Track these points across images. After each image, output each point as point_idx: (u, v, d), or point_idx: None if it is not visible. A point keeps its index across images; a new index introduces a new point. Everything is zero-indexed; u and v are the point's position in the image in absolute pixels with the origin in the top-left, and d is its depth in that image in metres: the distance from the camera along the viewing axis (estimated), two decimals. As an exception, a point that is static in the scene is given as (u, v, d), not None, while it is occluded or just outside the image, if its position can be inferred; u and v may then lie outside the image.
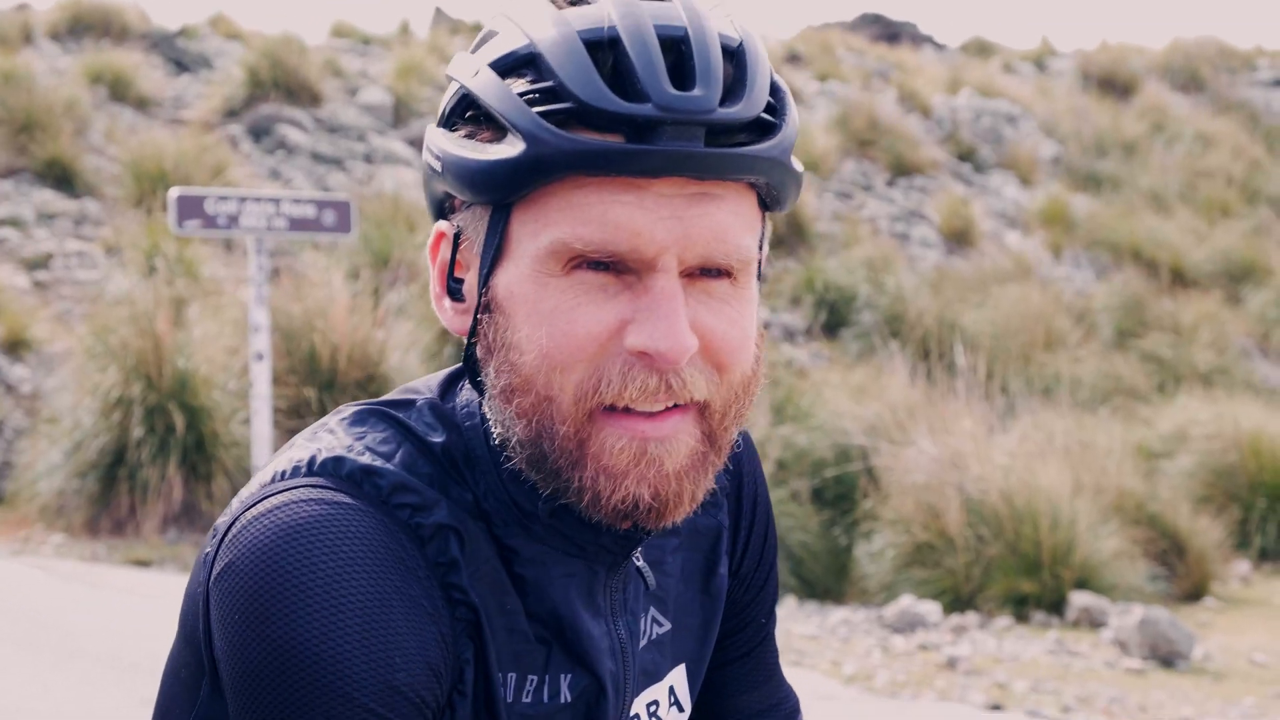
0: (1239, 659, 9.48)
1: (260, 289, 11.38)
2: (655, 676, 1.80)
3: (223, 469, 11.97)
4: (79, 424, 11.97)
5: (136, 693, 7.66)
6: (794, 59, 30.57)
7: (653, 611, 1.79)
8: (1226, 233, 23.29)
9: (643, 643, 1.77)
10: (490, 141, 1.55)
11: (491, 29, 1.63)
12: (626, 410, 1.54)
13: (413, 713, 1.51)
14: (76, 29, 23.41)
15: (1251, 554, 12.57)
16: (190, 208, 11.27)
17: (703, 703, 1.98)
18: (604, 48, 1.53)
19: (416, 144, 20.66)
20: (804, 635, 9.86)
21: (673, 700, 1.84)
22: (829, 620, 10.34)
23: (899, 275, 19.15)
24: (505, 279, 1.57)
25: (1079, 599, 10.19)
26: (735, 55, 1.58)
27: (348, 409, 1.69)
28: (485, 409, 1.62)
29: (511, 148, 1.52)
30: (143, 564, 11.27)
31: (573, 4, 1.59)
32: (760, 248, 1.62)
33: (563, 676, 1.67)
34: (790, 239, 20.60)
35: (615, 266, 1.53)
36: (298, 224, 11.63)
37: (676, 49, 1.54)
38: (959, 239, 22.74)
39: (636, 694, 1.77)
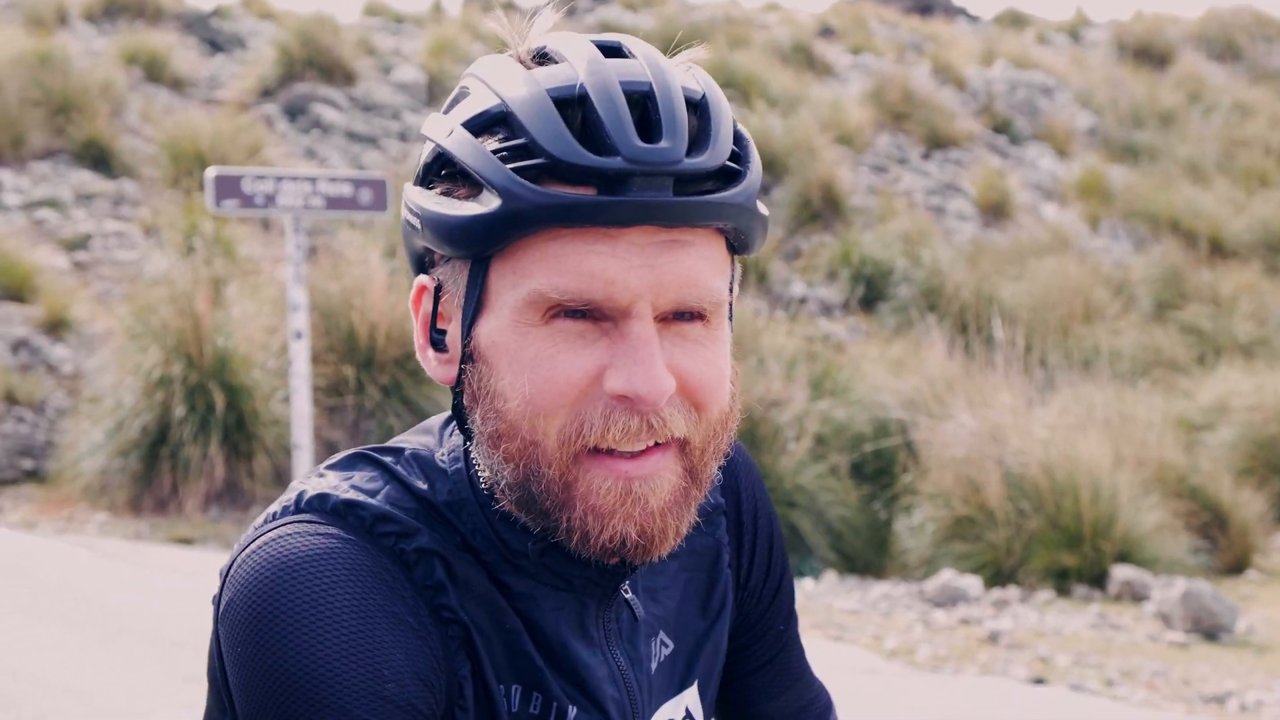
0: (1282, 631, 9.46)
1: (298, 268, 11.40)
2: (667, 697, 1.84)
3: (263, 447, 12.02)
4: (120, 403, 12.03)
5: (179, 670, 7.71)
6: (827, 32, 30.49)
7: (660, 634, 1.83)
8: (1265, 202, 23.16)
9: (653, 666, 1.81)
10: (467, 198, 1.60)
11: (463, 89, 1.68)
12: (610, 451, 1.59)
13: (406, 719, 1.56)
14: (111, 10, 23.47)
15: (1293, 526, 12.53)
16: (227, 187, 11.29)
17: (731, 713, 2.01)
18: (573, 104, 1.58)
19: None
20: (845, 610, 9.86)
21: (686, 716, 1.87)
22: (870, 595, 10.33)
23: (935, 248, 19.10)
24: (487, 329, 1.62)
25: (1120, 572, 10.17)
26: (699, 107, 1.63)
27: (337, 456, 1.76)
28: (474, 454, 1.67)
29: (487, 203, 1.57)
30: (185, 542, 11.33)
31: (540, 64, 1.64)
32: (730, 290, 1.67)
33: (570, 708, 1.71)
34: (825, 213, 20.56)
35: (592, 314, 1.58)
36: (334, 202, 11.65)
37: (642, 103, 1.59)
38: (995, 212, 22.66)
39: (649, 709, 1.80)
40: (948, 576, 10.17)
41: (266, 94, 20.59)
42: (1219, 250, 21.64)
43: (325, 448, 12.46)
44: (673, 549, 1.65)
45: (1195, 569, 10.83)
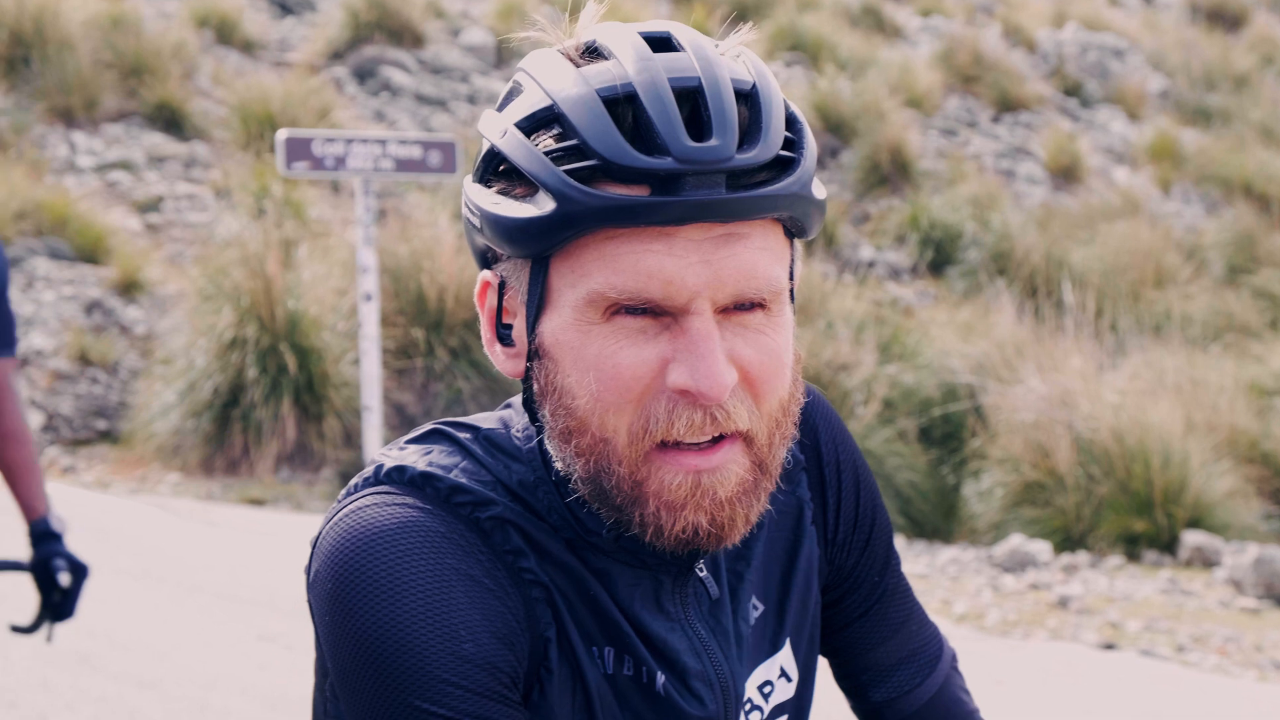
0: (1355, 598, 9.39)
1: (367, 230, 11.45)
2: (762, 658, 1.85)
3: (333, 409, 12.09)
4: (193, 365, 12.13)
5: (254, 628, 7.78)
6: (897, -6, 30.30)
7: (752, 598, 1.84)
8: (1339, 166, 22.92)
9: (747, 631, 1.82)
10: (523, 197, 1.62)
11: (516, 85, 1.69)
12: (677, 445, 1.61)
13: (486, 678, 1.60)
14: (182, -28, 23.57)
15: (1366, 492, 12.43)
16: (298, 149, 11.35)
17: (837, 664, 2.02)
18: (622, 104, 1.59)
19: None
20: (913, 575, 9.85)
21: (781, 674, 1.88)
22: (938, 559, 10.32)
23: (1005, 212, 18.99)
24: (550, 327, 1.64)
25: (1191, 538, 10.12)
26: (750, 98, 1.63)
27: (416, 430, 1.79)
28: (546, 445, 1.70)
29: (543, 205, 1.58)
30: (257, 503, 11.42)
31: (589, 58, 1.65)
32: (791, 275, 1.68)
33: (658, 673, 1.73)
34: (894, 177, 20.47)
35: (652, 310, 1.60)
36: (404, 165, 11.69)
37: (692, 99, 1.60)
38: (1066, 175, 22.50)
39: (743, 681, 1.81)
40: (1017, 541, 10.15)
41: (336, 57, 20.65)
42: (1292, 214, 21.42)
43: (394, 410, 12.53)
44: (743, 535, 1.67)
45: (1267, 535, 10.77)
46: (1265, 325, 16.86)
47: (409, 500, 1.67)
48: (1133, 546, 10.29)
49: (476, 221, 1.67)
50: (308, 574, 1.69)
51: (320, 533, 1.69)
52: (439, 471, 1.70)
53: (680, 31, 1.66)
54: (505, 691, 1.62)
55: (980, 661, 7.75)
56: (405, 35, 21.25)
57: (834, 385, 11.98)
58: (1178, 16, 31.21)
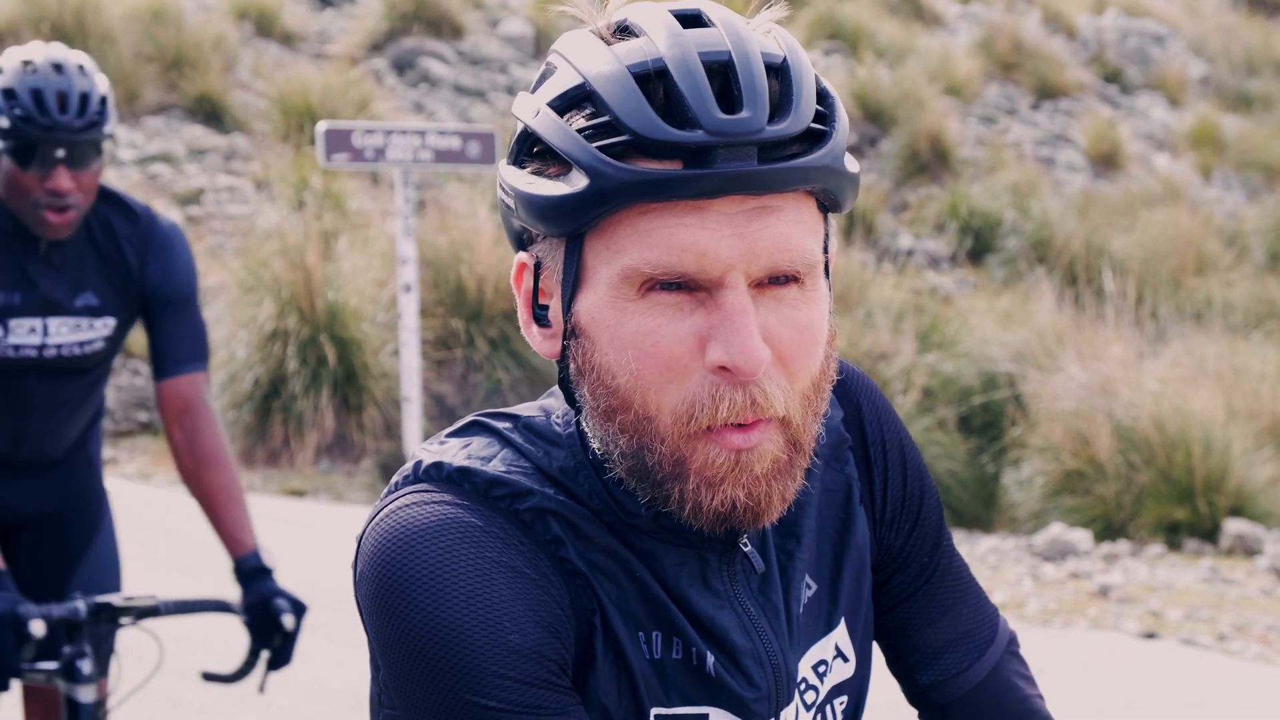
0: (1398, 587, 9.35)
1: (407, 221, 11.48)
2: (816, 638, 1.84)
3: (373, 400, 12.13)
4: (234, 356, 12.18)
5: (296, 620, 7.80)
6: (936, -18, 30.21)
7: (805, 577, 1.83)
8: (1382, 152, 22.78)
9: (800, 610, 1.82)
10: (557, 176, 1.62)
11: (549, 66, 1.71)
12: (719, 426, 1.62)
13: (534, 668, 1.62)
14: (221, -35, 23.65)
15: None
16: (338, 141, 11.38)
17: (885, 646, 2.00)
18: (653, 79, 1.60)
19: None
20: (953, 563, 9.84)
21: (836, 654, 1.87)
22: (978, 548, 10.31)
23: (1045, 200, 18.93)
24: (586, 305, 1.65)
25: (1233, 526, 10.08)
26: (780, 72, 1.63)
27: (457, 424, 1.80)
28: (584, 424, 1.71)
29: (576, 182, 1.59)
30: (297, 494, 11.47)
31: (620, 38, 1.66)
32: (825, 249, 1.68)
33: (708, 655, 1.73)
34: (933, 165, 20.42)
35: (686, 285, 1.60)
36: (443, 156, 11.72)
37: (723, 73, 1.60)
38: (1106, 162, 22.42)
39: (795, 660, 1.81)
40: (1057, 530, 10.13)
41: (375, 48, 20.69)
42: (1335, 200, 21.30)
43: (434, 401, 12.56)
44: (781, 514, 1.67)
45: (1309, 524, 10.72)
46: (1307, 312, 16.76)
47: (447, 497, 1.68)
48: (1174, 535, 10.26)
49: (511, 203, 1.68)
50: (354, 572, 1.71)
51: (363, 532, 1.71)
52: (476, 465, 1.71)
53: (711, 8, 1.67)
54: (554, 679, 1.63)
55: (1021, 651, 7.74)
56: (444, 26, 21.28)
57: (873, 374, 11.96)
58: (1218, 2, 31.05)
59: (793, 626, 1.80)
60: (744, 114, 1.57)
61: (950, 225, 18.90)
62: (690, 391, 1.60)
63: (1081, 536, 10.07)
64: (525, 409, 1.80)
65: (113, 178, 16.19)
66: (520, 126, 1.69)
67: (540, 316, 1.72)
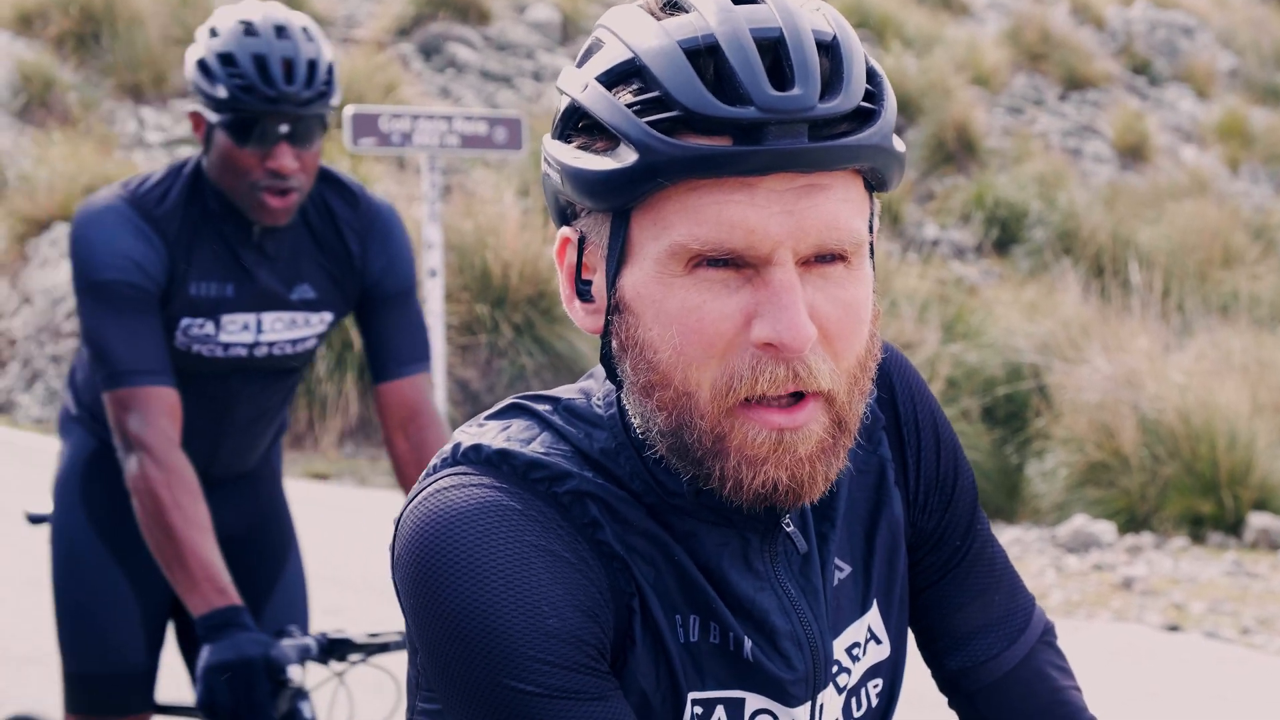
0: None
1: (433, 206, 11.49)
2: (848, 621, 1.84)
3: (398, 385, 12.14)
4: (259, 339, 12.20)
5: (319, 602, 7.82)
6: (964, -29, 30.14)
7: (836, 560, 1.83)
8: None
9: (832, 592, 1.81)
10: (604, 151, 1.61)
11: (596, 41, 1.69)
12: (761, 401, 1.61)
13: (572, 652, 1.61)
14: (249, -51, 23.64)
15: None
16: (365, 125, 11.40)
17: (916, 630, 1.99)
18: (704, 55, 1.59)
19: (584, 61, 20.63)
20: (976, 553, 9.84)
21: (870, 636, 1.87)
22: (1001, 539, 10.26)
23: (1071, 191, 18.87)
24: (631, 280, 1.64)
25: (1257, 520, 10.06)
26: (830, 49, 1.63)
27: (496, 406, 1.80)
28: (624, 401, 1.70)
29: (625, 157, 1.58)
30: (321, 477, 11.50)
31: (669, 13, 1.65)
32: (870, 229, 1.68)
33: (745, 639, 1.73)
34: (960, 155, 20.38)
35: (734, 262, 1.59)
36: (470, 141, 11.73)
37: (774, 50, 1.59)
38: (1133, 154, 22.35)
39: (830, 643, 1.81)
40: (1080, 522, 10.11)
41: (402, 33, 20.70)
42: (1363, 194, 21.21)
43: (458, 386, 12.58)
44: (822, 494, 1.67)
45: (1334, 518, 10.69)
46: (1334, 306, 16.71)
47: (485, 480, 1.68)
48: (1197, 528, 10.24)
49: (557, 177, 1.67)
50: (391, 555, 1.71)
51: (401, 515, 1.70)
52: (516, 448, 1.70)
53: None
54: (592, 663, 1.63)
55: (1057, 642, 7.73)
56: (471, 11, 21.28)
57: (898, 364, 11.95)
58: (1248, -6, 30.91)
59: (828, 608, 1.80)
60: (796, 91, 1.57)
61: (976, 215, 18.86)
62: (731, 365, 1.60)
63: (1105, 528, 10.06)
64: (565, 391, 1.80)
65: (141, 160, 16.24)
66: (567, 101, 1.68)
67: (583, 291, 1.72)
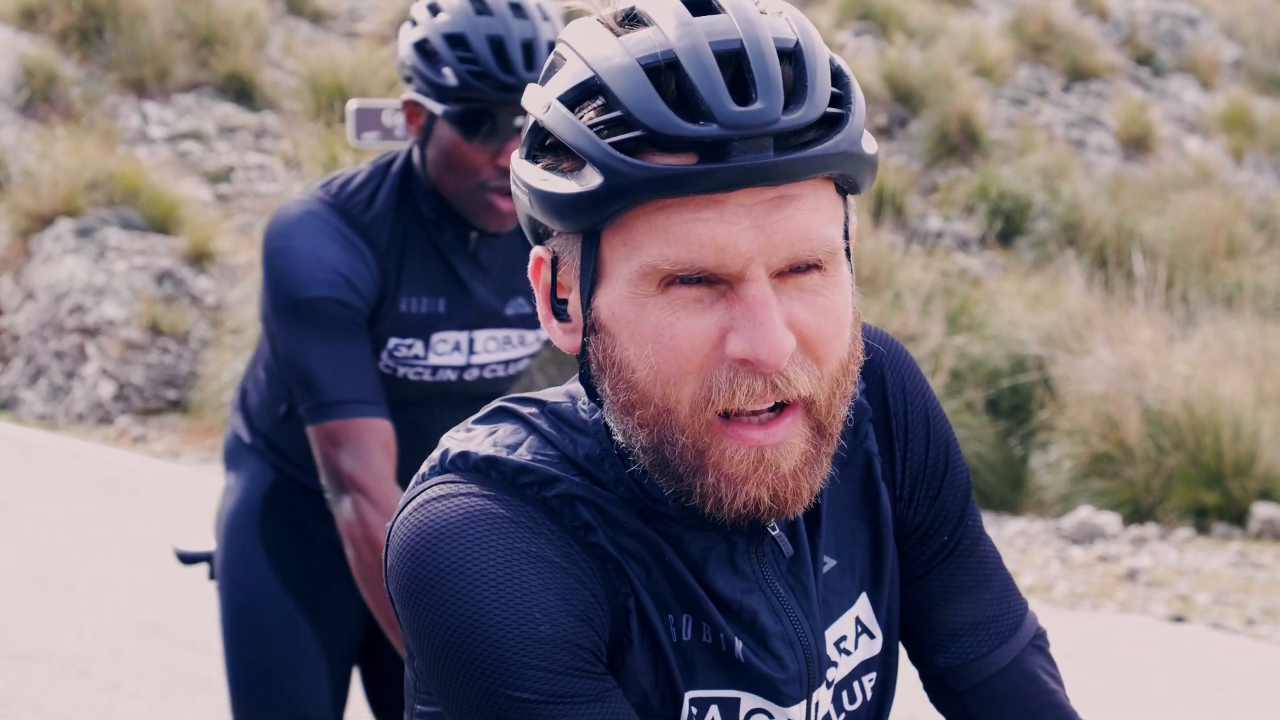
0: None
1: (437, 201, 11.47)
2: (836, 614, 1.83)
3: (402, 379, 12.14)
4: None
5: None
6: (967, -38, 30.09)
7: (822, 554, 1.82)
8: None
9: (820, 588, 1.81)
10: (570, 172, 1.60)
11: (558, 57, 1.68)
12: (739, 417, 1.60)
13: (566, 657, 1.61)
14: (252, -57, 23.65)
15: None
16: (368, 120, 11.37)
17: (906, 622, 1.98)
18: (664, 71, 1.58)
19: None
20: (981, 546, 9.83)
21: (860, 630, 1.86)
22: (1005, 531, 10.29)
23: (1075, 182, 18.84)
24: (605, 300, 1.63)
25: (1262, 510, 10.05)
26: (793, 56, 1.61)
27: (483, 410, 1.79)
28: (606, 419, 1.69)
29: (590, 179, 1.57)
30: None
31: (629, 26, 1.63)
32: (845, 234, 1.66)
33: (736, 640, 1.73)
34: (963, 147, 20.36)
35: (707, 279, 1.58)
36: (472, 135, 11.70)
37: (735, 62, 1.58)
38: (1137, 145, 22.31)
39: (824, 642, 1.80)
40: (1085, 513, 10.10)
41: (404, 27, 20.70)
42: (1368, 184, 21.18)
43: (463, 379, 12.57)
44: (806, 506, 1.66)
45: (1339, 509, 10.68)
46: (1339, 296, 16.68)
47: (474, 488, 1.67)
48: (1202, 519, 10.22)
49: (526, 198, 1.66)
50: (384, 565, 1.71)
51: (392, 524, 1.70)
52: (503, 453, 1.70)
53: None
54: (587, 666, 1.63)
55: (1049, 634, 7.72)
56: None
57: (902, 356, 11.93)
58: (1252, -16, 30.85)
59: (820, 606, 1.80)
60: (758, 105, 1.55)
61: (980, 207, 18.82)
62: (709, 379, 1.59)
63: (1110, 520, 10.05)
64: (552, 394, 1.80)
65: (144, 155, 16.23)
66: (530, 120, 1.67)
67: (559, 311, 1.71)
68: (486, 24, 3.26)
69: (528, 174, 1.65)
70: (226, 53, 17.98)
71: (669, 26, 1.60)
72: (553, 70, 1.68)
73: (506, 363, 3.54)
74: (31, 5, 18.05)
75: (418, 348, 3.41)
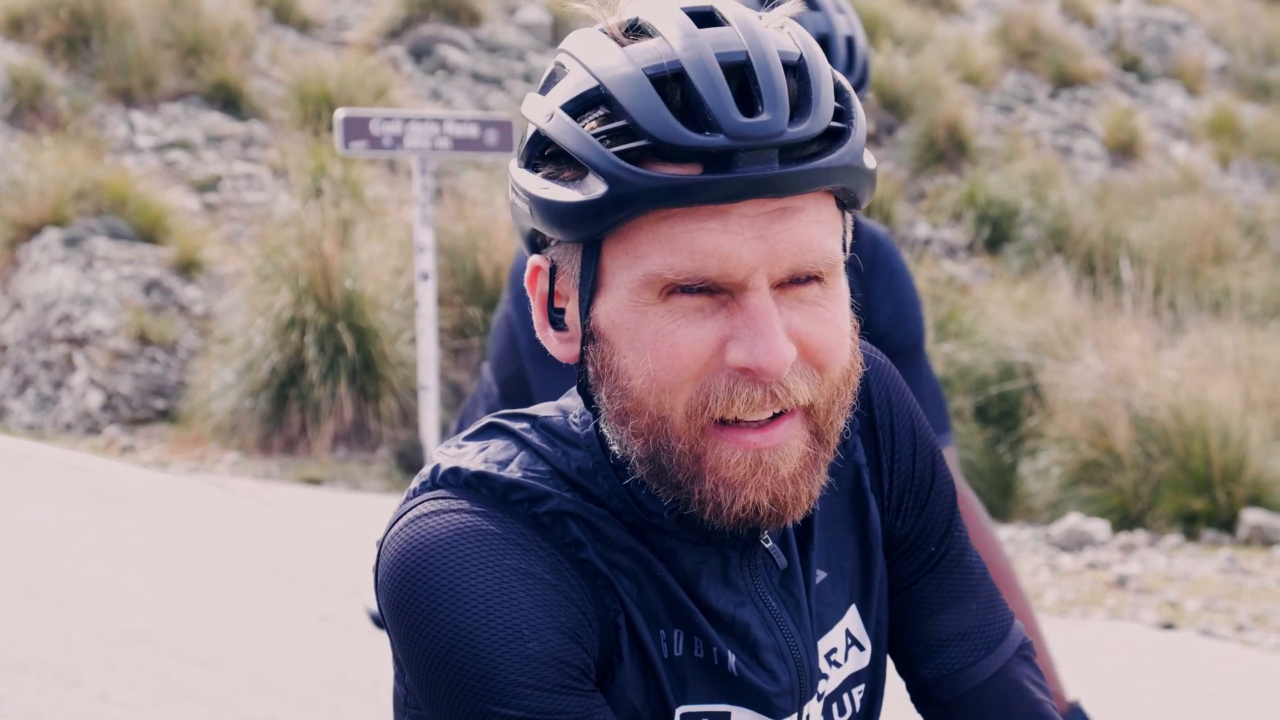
0: None
1: (425, 209, 11.48)
2: (826, 627, 1.83)
3: (390, 389, 12.14)
4: (250, 344, 12.19)
5: (312, 607, 7.82)
6: (954, -30, 30.12)
7: (814, 567, 1.83)
8: (1402, 142, 22.69)
9: (813, 601, 1.81)
10: (572, 181, 1.60)
11: (559, 67, 1.68)
12: (736, 423, 1.60)
13: (554, 674, 1.61)
14: (238, -48, 23.63)
15: None
16: (356, 129, 11.38)
17: (897, 632, 1.98)
18: (670, 82, 1.58)
19: (575, 62, 20.56)
20: (970, 553, 9.82)
21: (850, 642, 1.87)
22: (995, 538, 10.29)
23: (1062, 189, 18.87)
24: (605, 309, 1.63)
25: (1251, 516, 10.06)
26: (798, 70, 1.62)
27: (474, 425, 1.79)
28: (602, 428, 1.69)
29: (593, 188, 1.57)
30: (314, 482, 11.48)
31: (633, 37, 1.63)
32: (844, 247, 1.67)
33: (729, 654, 1.73)
34: (950, 154, 20.38)
35: (708, 289, 1.58)
36: (461, 144, 11.72)
37: (740, 74, 1.59)
38: (1124, 151, 22.34)
39: (816, 655, 1.81)
40: (1074, 520, 10.11)
41: (392, 36, 20.68)
42: (1354, 190, 21.22)
43: (450, 389, 12.57)
44: (806, 511, 1.66)
45: (1327, 514, 10.69)
46: (1326, 302, 16.71)
47: (464, 504, 1.67)
48: (1191, 525, 10.24)
49: (525, 207, 1.66)
50: (374, 579, 1.71)
51: (383, 540, 1.70)
52: (494, 470, 1.70)
53: (723, 5, 1.65)
54: (575, 684, 1.63)
55: (1035, 659, 7.72)
56: (462, 14, 21.26)
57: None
58: (1238, -10, 30.91)
59: (813, 619, 1.80)
60: (764, 116, 1.56)
61: (967, 214, 18.85)
62: (707, 386, 1.59)
63: (1099, 527, 10.05)
64: (543, 409, 1.79)
65: (131, 164, 16.21)
66: (532, 129, 1.67)
67: (556, 320, 1.71)
68: (812, 20, 3.01)
69: (528, 182, 1.65)
70: (214, 62, 17.97)
71: (674, 37, 1.60)
72: (553, 79, 1.68)
73: None
74: (18, 14, 18.03)
75: None
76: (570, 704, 1.61)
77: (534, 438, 1.74)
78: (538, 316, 1.73)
